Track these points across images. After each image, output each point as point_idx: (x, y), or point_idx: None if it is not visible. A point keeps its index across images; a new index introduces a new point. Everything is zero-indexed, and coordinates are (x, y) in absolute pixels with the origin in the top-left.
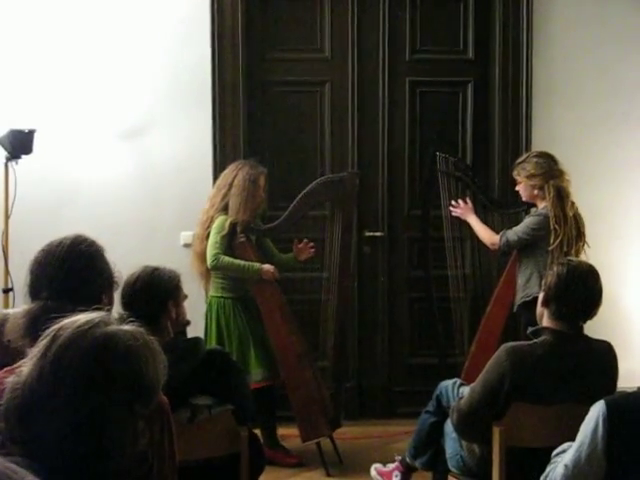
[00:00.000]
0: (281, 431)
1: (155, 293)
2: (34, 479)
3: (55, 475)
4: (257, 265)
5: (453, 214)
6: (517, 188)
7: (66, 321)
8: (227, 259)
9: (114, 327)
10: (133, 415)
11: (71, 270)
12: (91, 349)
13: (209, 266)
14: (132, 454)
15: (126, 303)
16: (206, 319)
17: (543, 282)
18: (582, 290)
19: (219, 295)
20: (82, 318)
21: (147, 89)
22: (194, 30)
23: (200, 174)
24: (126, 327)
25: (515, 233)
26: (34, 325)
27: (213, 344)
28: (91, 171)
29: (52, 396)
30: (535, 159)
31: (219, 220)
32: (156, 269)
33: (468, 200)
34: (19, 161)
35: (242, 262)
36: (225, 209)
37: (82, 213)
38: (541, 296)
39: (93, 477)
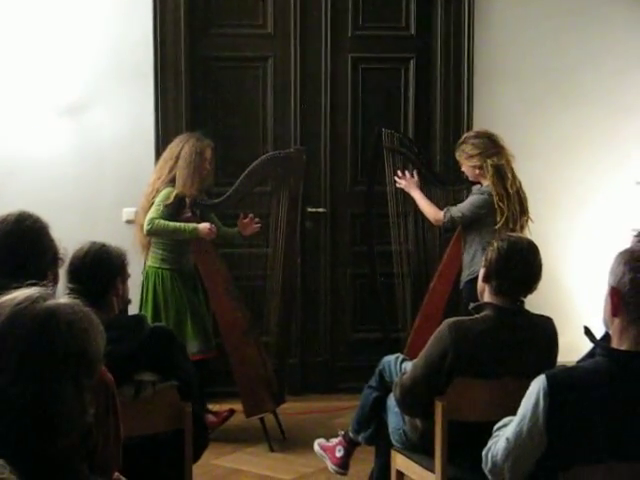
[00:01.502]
0: (224, 406)
1: (105, 269)
2: None
3: (6, 454)
4: (193, 225)
5: (397, 186)
6: (462, 169)
7: (3, 299)
8: (162, 222)
9: (53, 302)
10: (79, 387)
11: (16, 247)
12: (33, 325)
13: (145, 230)
14: (82, 426)
15: (75, 278)
16: (142, 289)
17: (484, 258)
18: (522, 265)
19: (157, 266)
20: (20, 295)
21: (88, 64)
22: (136, 5)
23: (142, 150)
24: (64, 301)
25: (459, 210)
26: None
27: (149, 314)
28: (32, 148)
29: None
30: (472, 140)
31: (165, 191)
32: (104, 245)
33: (413, 173)
34: None
35: (177, 223)
36: (172, 181)
37: (21, 190)
38: (482, 272)
39: (44, 454)
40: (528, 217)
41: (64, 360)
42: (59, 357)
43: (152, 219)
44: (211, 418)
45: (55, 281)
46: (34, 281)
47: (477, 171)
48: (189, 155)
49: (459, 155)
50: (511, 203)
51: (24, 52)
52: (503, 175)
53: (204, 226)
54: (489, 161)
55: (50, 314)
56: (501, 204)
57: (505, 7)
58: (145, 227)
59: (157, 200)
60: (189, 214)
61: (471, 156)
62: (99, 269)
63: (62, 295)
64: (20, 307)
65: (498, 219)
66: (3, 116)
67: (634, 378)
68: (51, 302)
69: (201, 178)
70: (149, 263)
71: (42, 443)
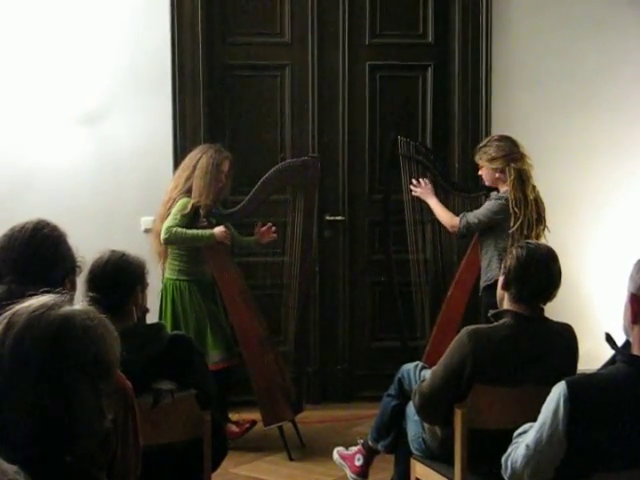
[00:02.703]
0: (243, 415)
1: (125, 278)
2: (9, 467)
3: (26, 461)
4: (209, 231)
5: (413, 194)
6: (480, 172)
7: (18, 307)
8: (179, 230)
9: (68, 308)
10: (97, 392)
11: (34, 254)
12: (49, 332)
13: (162, 239)
14: (100, 432)
15: (95, 287)
16: (161, 301)
17: (502, 265)
18: (541, 272)
19: (175, 277)
20: (35, 302)
21: (106, 73)
22: (153, 13)
23: (160, 159)
24: (79, 307)
25: (475, 216)
26: None
27: (169, 326)
28: (49, 157)
29: (15, 383)
30: (496, 142)
31: (182, 201)
32: (124, 254)
33: (427, 181)
34: None
35: (194, 230)
36: (188, 191)
37: (40, 199)
38: (501, 279)
39: (61, 461)
40: (545, 226)
41: (81, 365)
42: (76, 363)
43: (169, 227)
44: (233, 428)
45: (73, 289)
46: (50, 289)
47: (497, 175)
48: (206, 166)
49: (480, 157)
50: (528, 210)
51: (41, 61)
52: (524, 180)
53: (219, 229)
54: (512, 165)
55: (66, 320)
56: (516, 209)
57: (523, 15)
58: (162, 236)
59: (174, 210)
60: (205, 223)
61: (494, 158)
62: (120, 278)
63: (78, 302)
64: (36, 314)
65: (512, 224)
66: (21, 126)
67: None
68: (66, 309)
69: (216, 190)
70: (167, 275)
71: (60, 449)
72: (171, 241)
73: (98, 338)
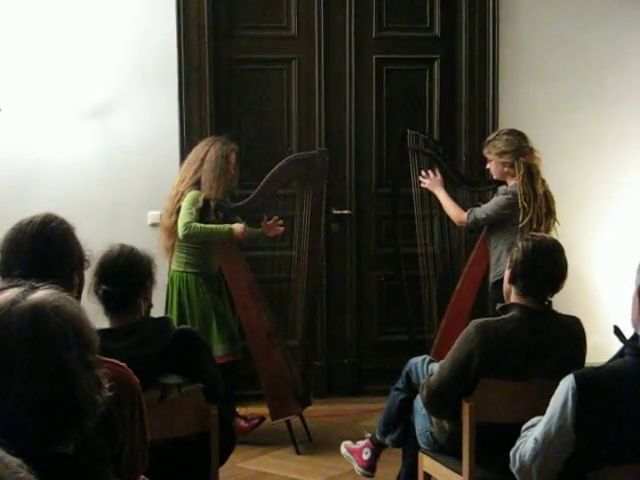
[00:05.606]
0: (250, 410)
1: (137, 271)
2: (12, 459)
3: (28, 454)
4: (227, 226)
5: (422, 186)
6: (488, 166)
7: None
8: (198, 225)
9: (31, 297)
10: (88, 366)
11: (42, 248)
12: (24, 325)
13: (181, 235)
14: (101, 403)
15: (107, 280)
16: (167, 293)
17: (508, 259)
18: (548, 264)
19: (181, 270)
20: None
21: (112, 68)
22: (159, 7)
23: (167, 153)
24: (40, 293)
25: (483, 211)
26: None
27: (174, 319)
28: (56, 151)
29: (6, 382)
30: (505, 136)
31: (192, 194)
32: (133, 248)
33: (437, 173)
34: None
35: (212, 225)
36: (196, 184)
37: (47, 193)
38: (507, 273)
39: (65, 455)
40: (555, 219)
41: (65, 346)
42: (60, 345)
43: (187, 223)
44: (241, 423)
45: (81, 283)
46: (58, 282)
47: (506, 169)
48: (215, 159)
49: (488, 151)
50: (537, 204)
51: (48, 56)
52: (534, 175)
53: (237, 226)
54: (522, 159)
55: (35, 309)
56: (525, 204)
57: (530, 7)
58: (182, 232)
59: (186, 204)
60: (213, 217)
61: (504, 152)
62: (132, 272)
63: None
64: (3, 312)
65: (521, 219)
66: (28, 120)
67: None
68: (30, 297)
69: (226, 182)
70: (173, 267)
71: (66, 434)
72: (190, 236)
73: (71, 315)
